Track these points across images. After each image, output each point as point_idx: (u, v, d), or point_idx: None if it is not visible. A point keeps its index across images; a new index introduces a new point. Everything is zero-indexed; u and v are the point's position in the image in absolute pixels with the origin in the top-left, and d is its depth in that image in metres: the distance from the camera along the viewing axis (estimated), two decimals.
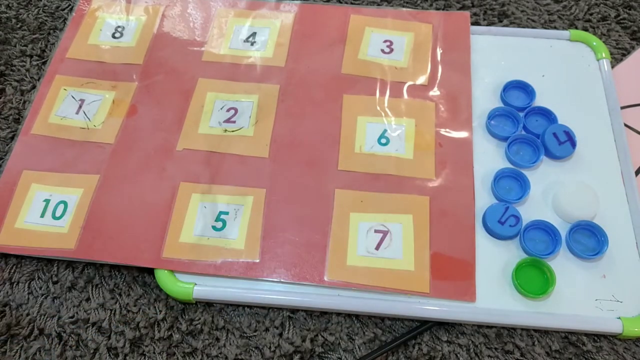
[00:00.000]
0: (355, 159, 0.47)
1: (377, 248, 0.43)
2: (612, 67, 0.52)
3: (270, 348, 0.40)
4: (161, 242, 0.43)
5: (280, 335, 0.41)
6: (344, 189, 0.45)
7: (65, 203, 0.45)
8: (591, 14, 0.57)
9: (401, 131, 0.48)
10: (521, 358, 0.40)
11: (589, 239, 0.43)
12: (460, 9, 0.57)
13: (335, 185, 0.46)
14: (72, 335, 0.41)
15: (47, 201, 0.45)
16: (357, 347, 0.41)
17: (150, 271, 0.43)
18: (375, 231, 0.43)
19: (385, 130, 0.48)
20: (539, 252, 0.42)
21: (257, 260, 0.42)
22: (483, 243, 0.43)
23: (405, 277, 0.41)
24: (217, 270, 0.42)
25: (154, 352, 0.40)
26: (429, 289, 0.41)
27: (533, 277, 0.41)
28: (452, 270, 0.42)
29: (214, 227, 0.44)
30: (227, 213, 0.44)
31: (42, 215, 0.45)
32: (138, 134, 0.49)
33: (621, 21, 0.57)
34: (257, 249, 0.43)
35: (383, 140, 0.48)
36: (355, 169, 0.46)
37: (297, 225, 0.44)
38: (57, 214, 0.45)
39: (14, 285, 0.43)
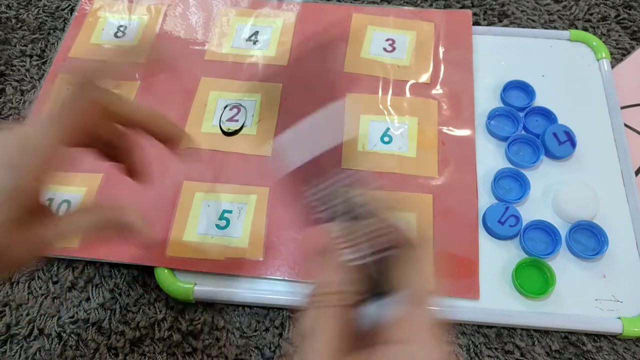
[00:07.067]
0: (358, 157, 0.47)
1: None
2: (612, 67, 0.52)
3: (270, 348, 0.40)
4: (165, 241, 0.43)
5: (280, 335, 0.41)
6: None
7: (68, 202, 0.45)
8: (591, 14, 0.57)
9: (404, 129, 0.48)
10: (521, 358, 0.40)
11: (589, 239, 0.43)
12: (460, 8, 0.57)
13: None
14: (72, 335, 0.41)
15: (50, 200, 0.45)
16: None
17: (151, 271, 0.43)
18: None
19: (388, 129, 0.48)
20: (539, 252, 0.42)
21: (261, 259, 0.42)
22: (483, 243, 0.43)
23: None
24: (221, 269, 0.42)
25: (154, 352, 0.40)
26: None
27: (533, 277, 0.42)
28: (455, 268, 0.42)
29: (217, 226, 0.44)
30: (230, 212, 0.44)
31: None
32: None
33: (621, 21, 0.57)
34: (261, 247, 0.43)
35: (386, 139, 0.48)
36: (358, 168, 0.46)
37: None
38: (60, 213, 0.44)
39: (14, 285, 0.43)
